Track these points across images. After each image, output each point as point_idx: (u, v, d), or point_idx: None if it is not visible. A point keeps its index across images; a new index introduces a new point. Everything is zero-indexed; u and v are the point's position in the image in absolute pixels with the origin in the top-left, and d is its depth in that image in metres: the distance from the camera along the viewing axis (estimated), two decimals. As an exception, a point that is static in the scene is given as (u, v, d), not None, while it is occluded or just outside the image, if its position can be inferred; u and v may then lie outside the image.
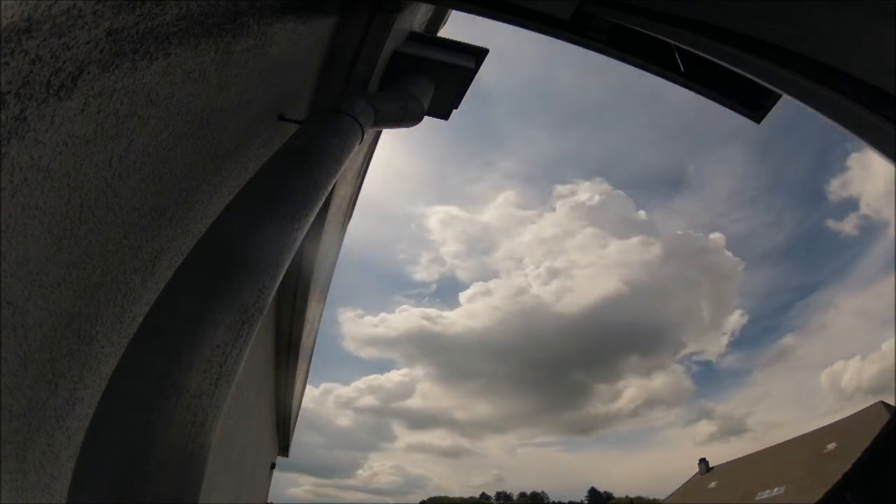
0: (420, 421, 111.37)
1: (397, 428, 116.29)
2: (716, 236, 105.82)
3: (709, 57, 1.56)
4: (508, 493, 65.85)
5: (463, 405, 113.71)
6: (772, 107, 2.09)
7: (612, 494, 58.68)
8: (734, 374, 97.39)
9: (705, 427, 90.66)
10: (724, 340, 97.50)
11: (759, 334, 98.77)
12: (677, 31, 1.62)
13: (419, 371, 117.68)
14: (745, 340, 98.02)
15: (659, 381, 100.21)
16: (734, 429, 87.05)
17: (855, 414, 16.94)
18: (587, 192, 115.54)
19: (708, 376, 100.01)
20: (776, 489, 16.61)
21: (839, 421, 17.38)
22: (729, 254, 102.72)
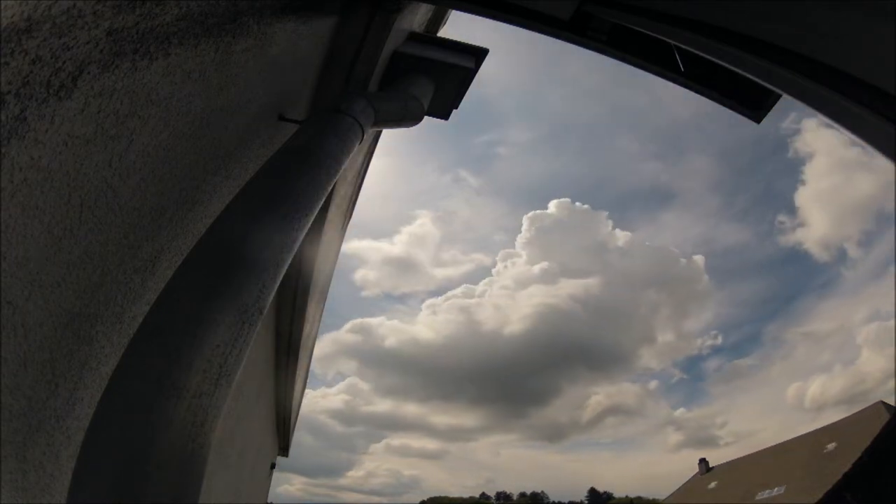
0: (401, 425, 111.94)
1: (380, 431, 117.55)
2: (698, 258, 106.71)
3: (709, 57, 1.56)
4: (508, 493, 65.95)
5: (433, 411, 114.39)
6: (772, 107, 2.09)
7: (612, 494, 58.74)
8: (705, 388, 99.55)
9: (674, 436, 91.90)
10: (699, 352, 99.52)
11: (731, 349, 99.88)
12: (677, 31, 1.62)
13: (380, 381, 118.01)
14: (716, 354, 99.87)
15: (630, 395, 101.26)
16: (703, 439, 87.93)
17: (855, 414, 16.94)
18: (556, 209, 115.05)
19: (679, 390, 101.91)
20: (776, 489, 16.61)
21: (839, 421, 17.39)
22: (705, 277, 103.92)
